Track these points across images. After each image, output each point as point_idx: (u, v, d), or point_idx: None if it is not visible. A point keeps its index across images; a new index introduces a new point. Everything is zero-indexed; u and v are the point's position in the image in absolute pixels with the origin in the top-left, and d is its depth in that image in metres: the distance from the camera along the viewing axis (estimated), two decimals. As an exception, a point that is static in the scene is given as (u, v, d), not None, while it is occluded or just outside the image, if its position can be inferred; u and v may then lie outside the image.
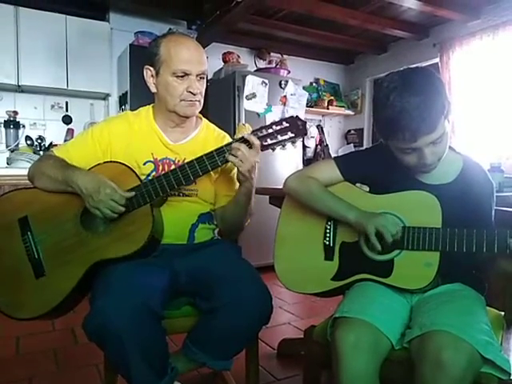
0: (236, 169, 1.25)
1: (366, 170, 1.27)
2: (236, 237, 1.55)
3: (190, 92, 1.29)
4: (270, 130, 1.22)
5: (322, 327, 1.16)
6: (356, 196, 1.24)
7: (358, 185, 1.28)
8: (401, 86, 1.05)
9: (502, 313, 1.24)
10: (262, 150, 1.24)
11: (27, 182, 1.35)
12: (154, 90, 1.36)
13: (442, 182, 1.18)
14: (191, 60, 1.28)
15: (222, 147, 1.23)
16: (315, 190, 1.25)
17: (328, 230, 1.27)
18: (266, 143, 1.23)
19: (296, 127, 1.22)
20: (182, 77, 1.29)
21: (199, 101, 1.34)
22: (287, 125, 1.22)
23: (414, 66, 1.15)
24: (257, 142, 1.21)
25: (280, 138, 1.22)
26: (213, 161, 1.23)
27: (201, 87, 1.32)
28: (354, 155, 1.38)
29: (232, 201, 1.38)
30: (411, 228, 1.13)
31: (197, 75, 1.30)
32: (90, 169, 1.27)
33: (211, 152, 1.23)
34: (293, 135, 1.22)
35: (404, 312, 1.12)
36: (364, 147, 4.78)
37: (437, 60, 3.98)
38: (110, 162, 1.30)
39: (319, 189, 1.25)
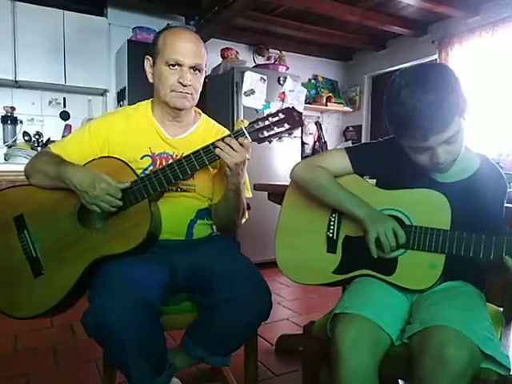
0: None
1: (378, 164, 1.24)
2: (233, 233, 1.55)
3: (181, 83, 1.28)
4: (267, 122, 1.21)
5: (322, 323, 1.16)
6: (364, 190, 1.22)
7: (366, 178, 1.26)
8: (413, 82, 1.01)
9: (501, 309, 1.24)
10: (258, 143, 1.23)
11: (25, 178, 1.34)
12: (150, 80, 1.36)
13: (455, 179, 1.15)
14: (185, 51, 1.27)
15: (218, 141, 1.22)
16: (324, 180, 1.22)
17: (332, 223, 1.25)
18: (262, 136, 1.22)
19: (292, 118, 1.21)
20: (174, 66, 1.28)
21: (191, 94, 1.32)
22: (283, 116, 1.21)
23: (428, 61, 1.12)
24: (245, 142, 1.20)
25: (276, 129, 1.21)
26: (209, 154, 1.22)
27: (194, 80, 1.31)
28: (367, 148, 1.33)
29: (222, 197, 1.38)
30: (418, 228, 1.10)
31: (190, 67, 1.29)
32: (85, 164, 1.26)
33: (208, 146, 1.22)
34: (289, 126, 1.21)
35: (404, 308, 1.11)
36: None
37: (435, 57, 3.98)
38: (106, 157, 1.30)
39: (329, 180, 1.22)
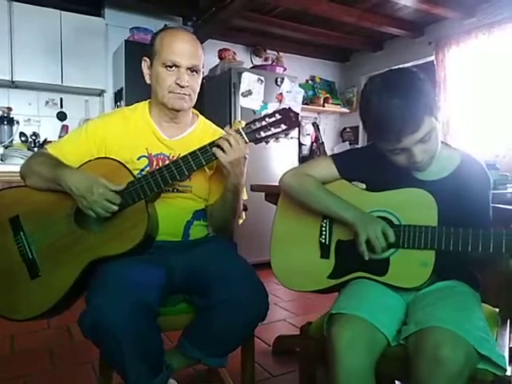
0: None
1: (363, 168, 1.26)
2: (229, 235, 1.55)
3: (178, 84, 1.28)
4: (264, 123, 1.22)
5: (318, 324, 1.16)
6: (352, 194, 1.24)
7: (354, 182, 1.28)
8: (381, 88, 1.05)
9: (497, 309, 1.24)
10: (255, 143, 1.24)
11: (20, 179, 1.34)
12: (148, 81, 1.36)
13: (438, 177, 1.18)
14: (182, 52, 1.28)
15: (214, 141, 1.22)
16: (312, 187, 1.24)
17: (324, 228, 1.26)
18: (259, 136, 1.23)
19: (289, 119, 1.22)
20: (171, 68, 1.28)
21: (189, 95, 1.32)
22: (280, 117, 1.22)
23: (397, 67, 1.16)
24: (241, 141, 1.21)
25: (273, 130, 1.22)
26: (206, 155, 1.22)
27: (191, 81, 1.31)
28: (351, 153, 1.37)
29: (220, 197, 1.38)
30: (407, 226, 1.12)
31: (187, 68, 1.29)
32: (82, 165, 1.26)
33: (204, 146, 1.23)
34: (286, 127, 1.22)
35: (400, 309, 1.12)
36: (360, 145, 4.80)
37: (432, 58, 4.00)
38: (103, 158, 1.29)
39: (316, 187, 1.25)
